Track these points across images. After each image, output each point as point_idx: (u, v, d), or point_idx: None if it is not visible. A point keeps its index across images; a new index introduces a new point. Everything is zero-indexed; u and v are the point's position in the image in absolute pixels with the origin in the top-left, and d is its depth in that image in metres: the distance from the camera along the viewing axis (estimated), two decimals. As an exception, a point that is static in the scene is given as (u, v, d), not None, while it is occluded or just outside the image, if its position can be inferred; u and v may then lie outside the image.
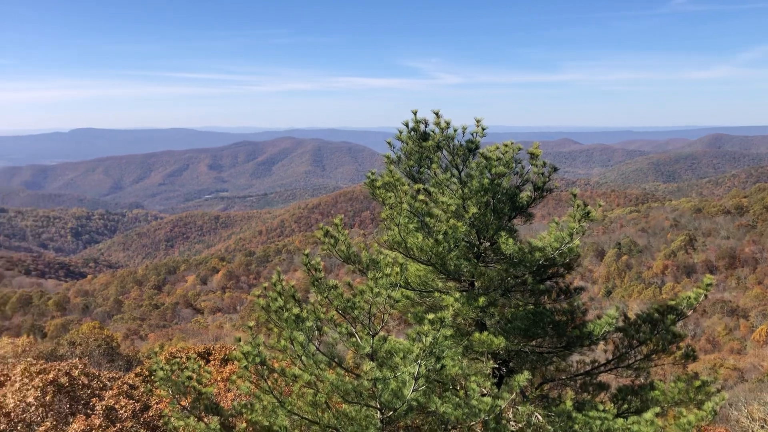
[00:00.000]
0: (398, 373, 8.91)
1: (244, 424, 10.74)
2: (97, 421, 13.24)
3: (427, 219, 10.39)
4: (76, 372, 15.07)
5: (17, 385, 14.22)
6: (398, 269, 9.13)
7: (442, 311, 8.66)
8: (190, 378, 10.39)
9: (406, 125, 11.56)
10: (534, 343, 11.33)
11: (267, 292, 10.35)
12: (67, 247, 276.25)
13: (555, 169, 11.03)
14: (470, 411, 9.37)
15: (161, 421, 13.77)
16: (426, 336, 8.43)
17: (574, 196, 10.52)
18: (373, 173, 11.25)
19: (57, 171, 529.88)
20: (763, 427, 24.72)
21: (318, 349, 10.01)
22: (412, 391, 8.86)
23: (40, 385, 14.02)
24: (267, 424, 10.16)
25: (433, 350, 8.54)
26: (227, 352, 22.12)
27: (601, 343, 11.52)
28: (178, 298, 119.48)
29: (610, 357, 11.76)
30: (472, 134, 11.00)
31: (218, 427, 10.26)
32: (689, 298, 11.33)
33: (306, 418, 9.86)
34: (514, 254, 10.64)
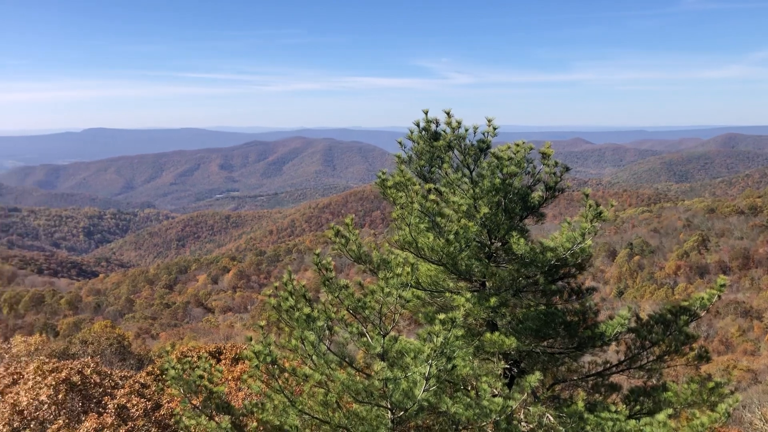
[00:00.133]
0: (409, 373, 8.89)
1: (255, 423, 10.75)
2: (109, 420, 13.32)
3: (438, 219, 10.36)
4: (89, 370, 15.17)
5: (30, 383, 14.32)
6: (409, 269, 9.11)
7: (453, 311, 8.64)
8: (201, 377, 10.42)
9: (417, 125, 11.53)
10: (545, 343, 11.28)
11: (278, 291, 10.36)
12: (80, 247, 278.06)
13: (567, 169, 10.97)
14: (481, 411, 9.34)
15: (172, 419, 13.83)
16: (437, 336, 8.41)
17: (586, 195, 10.47)
18: (384, 173, 11.23)
19: (69, 171, 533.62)
20: (776, 429, 24.50)
21: (329, 348, 10.01)
22: (423, 391, 8.84)
23: (53, 383, 14.13)
24: (278, 423, 10.17)
25: (444, 350, 8.51)
26: (238, 351, 22.17)
27: (613, 343, 11.45)
28: (189, 298, 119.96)
29: (622, 358, 11.69)
30: (483, 134, 10.96)
31: (229, 426, 10.28)
32: (702, 298, 11.25)
33: (317, 418, 9.87)
34: (526, 254, 10.59)
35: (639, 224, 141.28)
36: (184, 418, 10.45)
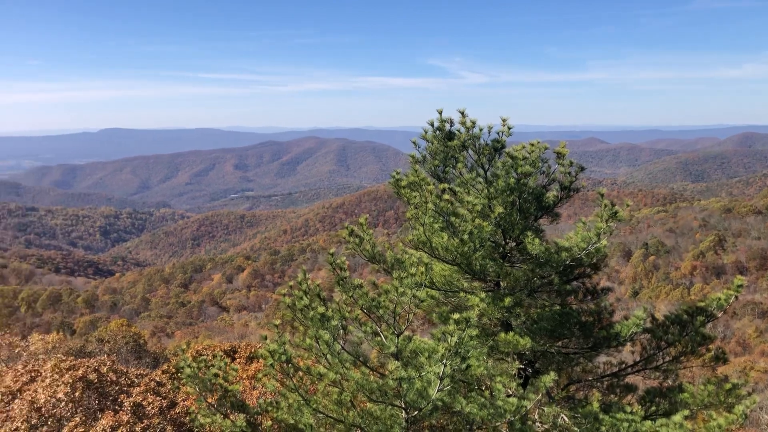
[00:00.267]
0: (423, 373, 8.90)
1: (270, 422, 10.80)
2: (125, 418, 13.44)
3: (453, 219, 10.35)
4: (105, 369, 15.30)
5: (48, 380, 14.47)
6: (423, 269, 9.11)
7: (468, 311, 8.63)
8: (216, 375, 10.48)
9: (431, 124, 11.52)
10: (560, 343, 11.24)
11: (292, 290, 10.40)
12: (96, 246, 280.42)
13: (582, 169, 10.92)
14: (496, 411, 9.32)
15: (188, 417, 13.92)
16: (451, 336, 8.41)
17: (602, 195, 10.41)
18: (398, 173, 11.23)
19: (86, 170, 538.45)
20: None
21: (343, 347, 10.03)
22: (437, 390, 8.84)
23: (70, 381, 14.26)
24: (292, 422, 10.21)
25: (459, 350, 8.51)
26: (253, 350, 22.26)
27: (629, 344, 11.39)
28: (204, 296, 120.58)
29: (638, 358, 11.61)
30: (497, 133, 10.94)
31: (244, 424, 10.34)
32: (719, 299, 11.15)
33: (331, 417, 9.89)
34: (541, 254, 10.55)
35: (654, 224, 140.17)
36: (199, 416, 10.52)
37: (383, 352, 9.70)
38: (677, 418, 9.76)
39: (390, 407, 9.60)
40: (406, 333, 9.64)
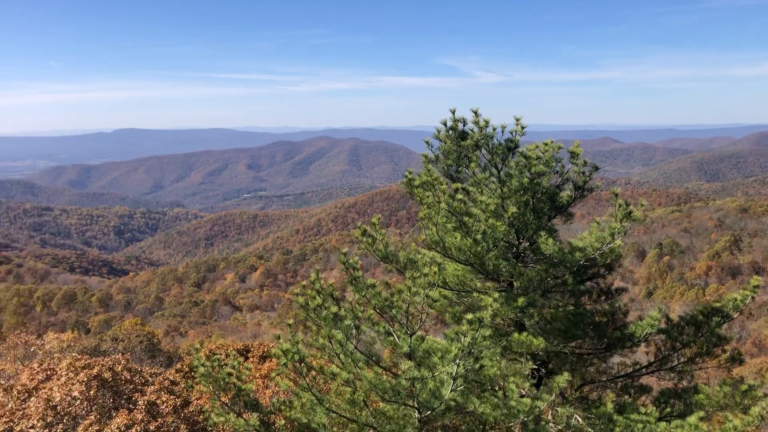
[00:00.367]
0: (436, 373, 8.89)
1: (283, 421, 10.83)
2: (139, 416, 13.52)
3: (466, 218, 10.32)
4: (119, 367, 15.40)
5: (63, 379, 14.59)
6: (436, 269, 9.10)
7: (481, 311, 8.61)
8: (230, 374, 10.52)
9: (444, 124, 11.49)
10: (574, 344, 11.18)
11: (305, 290, 10.41)
12: (110, 245, 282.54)
13: (596, 168, 10.85)
14: (509, 412, 9.30)
15: (201, 416, 14.00)
16: (465, 336, 8.39)
17: (616, 195, 10.35)
18: (410, 172, 11.22)
19: (100, 170, 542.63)
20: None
21: (356, 347, 10.03)
22: (450, 391, 8.83)
23: (85, 379, 14.37)
24: (305, 421, 10.23)
25: (472, 350, 8.49)
26: (266, 349, 22.34)
27: (643, 345, 11.31)
28: (218, 296, 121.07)
29: (652, 359, 11.54)
30: (511, 133, 10.89)
31: (257, 423, 10.37)
32: (735, 299, 11.05)
33: (344, 416, 9.91)
34: (554, 254, 10.50)
35: (669, 224, 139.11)
36: (212, 415, 10.57)
37: (396, 351, 9.71)
38: (692, 419, 9.70)
39: (403, 407, 9.60)
40: (419, 333, 9.63)
